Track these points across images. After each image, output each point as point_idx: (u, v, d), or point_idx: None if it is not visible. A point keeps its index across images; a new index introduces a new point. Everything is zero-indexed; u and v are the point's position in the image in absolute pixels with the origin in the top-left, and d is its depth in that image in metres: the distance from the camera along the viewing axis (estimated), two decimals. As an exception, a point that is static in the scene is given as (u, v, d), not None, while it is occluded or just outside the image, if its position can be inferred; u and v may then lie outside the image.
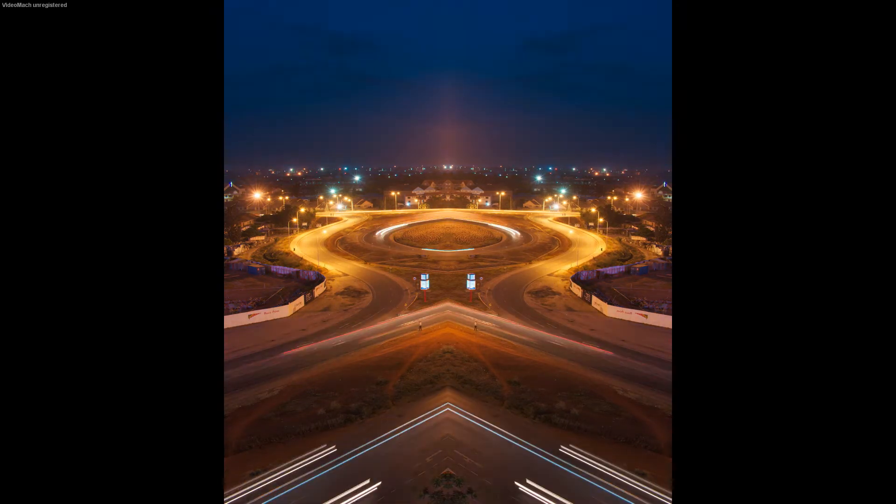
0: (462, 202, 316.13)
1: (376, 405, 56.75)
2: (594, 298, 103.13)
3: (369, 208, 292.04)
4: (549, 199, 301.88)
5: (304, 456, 47.03)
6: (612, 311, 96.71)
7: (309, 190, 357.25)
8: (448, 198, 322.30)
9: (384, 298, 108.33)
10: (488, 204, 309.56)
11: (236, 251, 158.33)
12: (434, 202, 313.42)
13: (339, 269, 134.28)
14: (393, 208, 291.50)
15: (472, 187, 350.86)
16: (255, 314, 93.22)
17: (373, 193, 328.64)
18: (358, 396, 58.71)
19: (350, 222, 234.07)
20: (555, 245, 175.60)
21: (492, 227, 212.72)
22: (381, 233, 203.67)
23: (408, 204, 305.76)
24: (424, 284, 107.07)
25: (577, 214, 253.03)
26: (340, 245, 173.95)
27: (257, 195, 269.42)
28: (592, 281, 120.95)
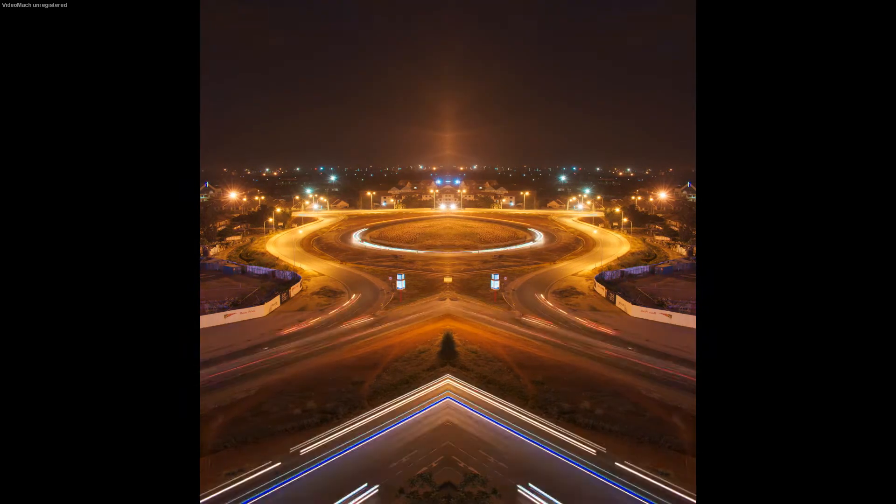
0: (486, 202, 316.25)
1: (352, 405, 56.82)
2: (618, 298, 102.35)
3: (345, 208, 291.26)
4: (574, 198, 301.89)
5: (284, 455, 47.18)
6: (636, 311, 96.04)
7: (285, 190, 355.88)
8: (424, 197, 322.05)
9: (362, 298, 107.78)
10: (512, 204, 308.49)
11: (212, 251, 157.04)
12: (410, 202, 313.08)
13: (316, 269, 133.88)
14: (368, 208, 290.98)
15: (496, 187, 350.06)
16: (230, 314, 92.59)
17: (349, 193, 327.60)
18: (334, 396, 58.76)
19: (326, 222, 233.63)
20: (579, 245, 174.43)
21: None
22: (357, 233, 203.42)
23: (384, 204, 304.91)
24: (400, 284, 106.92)
25: (601, 214, 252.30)
26: (316, 245, 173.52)
27: (233, 195, 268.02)
28: (616, 281, 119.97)
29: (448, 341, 74.88)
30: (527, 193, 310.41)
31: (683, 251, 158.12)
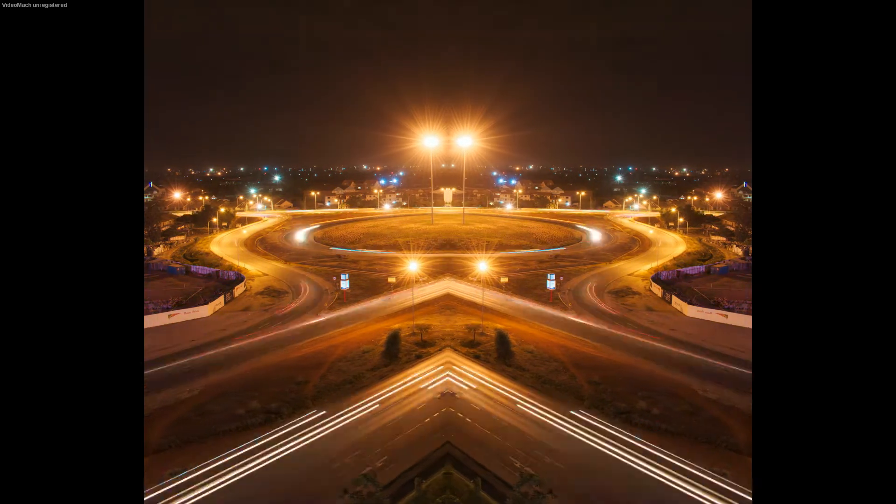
0: (542, 202, 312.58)
1: (296, 405, 56.67)
2: (674, 298, 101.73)
3: (289, 208, 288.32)
4: (630, 198, 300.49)
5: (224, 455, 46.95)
6: (692, 311, 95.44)
7: (229, 190, 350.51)
8: (368, 197, 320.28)
9: (306, 298, 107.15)
10: (568, 204, 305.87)
11: (156, 251, 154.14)
12: (354, 202, 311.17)
13: (260, 269, 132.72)
14: (313, 208, 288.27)
15: (551, 187, 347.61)
16: (174, 314, 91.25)
17: (293, 193, 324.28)
18: (278, 396, 58.52)
19: (270, 222, 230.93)
20: (635, 245, 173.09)
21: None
22: (302, 232, 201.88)
23: (328, 204, 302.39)
24: (344, 284, 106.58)
25: (657, 214, 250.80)
26: (260, 245, 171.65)
27: (177, 195, 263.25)
28: (672, 281, 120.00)
29: (393, 340, 74.60)
30: (583, 193, 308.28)
31: (739, 251, 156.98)
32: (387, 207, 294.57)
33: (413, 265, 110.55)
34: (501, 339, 74.91)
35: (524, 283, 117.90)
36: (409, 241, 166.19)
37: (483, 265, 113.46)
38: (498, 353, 72.03)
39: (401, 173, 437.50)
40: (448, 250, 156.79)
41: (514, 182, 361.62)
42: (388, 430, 51.60)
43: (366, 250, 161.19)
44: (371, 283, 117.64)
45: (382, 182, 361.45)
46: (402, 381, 63.51)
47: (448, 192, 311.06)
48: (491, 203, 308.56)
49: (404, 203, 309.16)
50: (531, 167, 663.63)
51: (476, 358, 70.73)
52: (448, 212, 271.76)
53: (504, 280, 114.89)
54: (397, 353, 71.88)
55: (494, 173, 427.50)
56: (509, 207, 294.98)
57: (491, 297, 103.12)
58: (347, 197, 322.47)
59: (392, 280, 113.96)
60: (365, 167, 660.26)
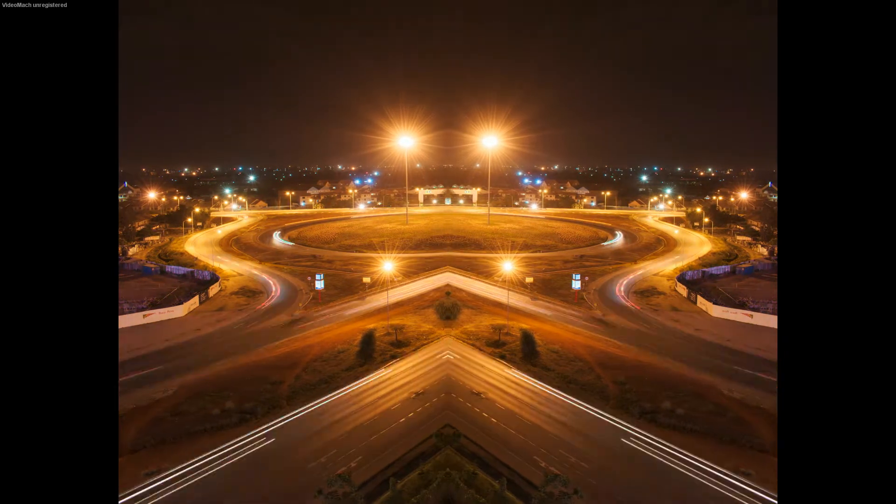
0: (567, 202, 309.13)
1: (271, 405, 56.73)
2: (699, 298, 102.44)
3: (263, 208, 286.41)
4: (655, 198, 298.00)
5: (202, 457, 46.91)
6: (717, 310, 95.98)
7: (203, 190, 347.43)
8: (342, 197, 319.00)
9: (281, 298, 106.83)
10: (593, 204, 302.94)
11: (131, 251, 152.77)
12: (329, 202, 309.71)
13: (234, 269, 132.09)
14: (288, 208, 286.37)
15: (577, 187, 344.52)
16: (149, 314, 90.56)
17: (267, 193, 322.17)
18: (253, 396, 58.45)
19: (245, 222, 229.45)
20: (660, 245, 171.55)
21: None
22: (277, 232, 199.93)
23: (302, 204, 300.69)
24: (319, 284, 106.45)
25: (682, 214, 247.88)
26: (235, 245, 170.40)
27: (152, 195, 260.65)
28: (697, 281, 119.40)
29: (367, 340, 74.43)
30: (608, 193, 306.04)
31: (765, 251, 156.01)
32: (361, 207, 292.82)
33: (388, 265, 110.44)
34: (527, 339, 74.82)
35: (549, 283, 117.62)
36: (384, 242, 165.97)
37: (508, 265, 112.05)
38: (523, 352, 72.30)
39: (375, 173, 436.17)
40: (429, 250, 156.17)
41: (539, 182, 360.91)
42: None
43: (341, 251, 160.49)
44: (346, 283, 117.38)
45: (357, 182, 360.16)
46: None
47: (422, 192, 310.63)
48: (516, 203, 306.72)
49: (379, 203, 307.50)
50: (556, 167, 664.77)
51: (500, 358, 71.11)
52: (424, 212, 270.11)
53: (529, 280, 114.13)
54: (371, 352, 71.95)
55: (519, 173, 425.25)
56: (534, 207, 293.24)
57: (514, 297, 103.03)
58: (322, 197, 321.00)
59: (367, 280, 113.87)
60: (340, 167, 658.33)
